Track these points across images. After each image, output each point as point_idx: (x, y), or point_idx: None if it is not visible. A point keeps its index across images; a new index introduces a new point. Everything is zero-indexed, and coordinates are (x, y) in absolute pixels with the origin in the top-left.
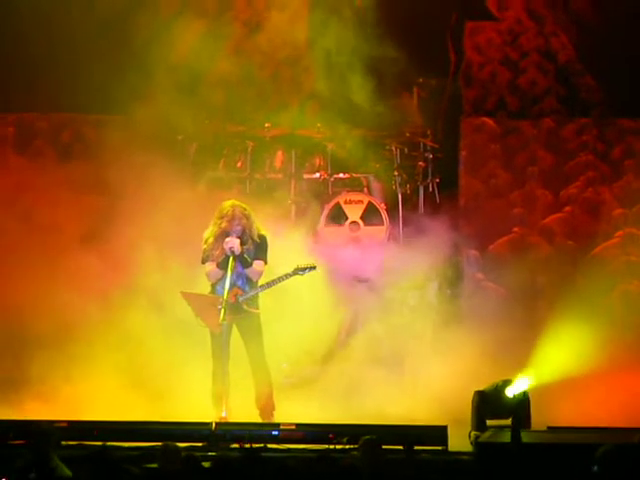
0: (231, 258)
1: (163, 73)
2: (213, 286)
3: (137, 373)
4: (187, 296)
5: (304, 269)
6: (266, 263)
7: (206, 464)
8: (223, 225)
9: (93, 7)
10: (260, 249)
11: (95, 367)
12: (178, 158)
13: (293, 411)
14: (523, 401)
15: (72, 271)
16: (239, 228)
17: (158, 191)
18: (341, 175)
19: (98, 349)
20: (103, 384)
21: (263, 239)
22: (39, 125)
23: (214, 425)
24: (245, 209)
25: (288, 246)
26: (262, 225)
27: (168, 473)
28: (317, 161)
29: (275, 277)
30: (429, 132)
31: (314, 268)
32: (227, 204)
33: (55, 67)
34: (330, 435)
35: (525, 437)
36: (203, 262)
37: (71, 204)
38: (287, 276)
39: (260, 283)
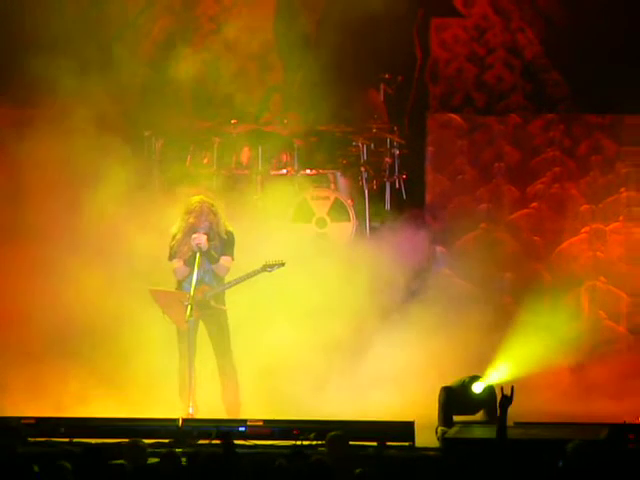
0: (198, 254)
1: (130, 69)
2: (180, 283)
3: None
4: (154, 293)
5: (272, 266)
6: (233, 259)
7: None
8: (191, 220)
9: (60, 3)
10: (227, 245)
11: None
12: (145, 154)
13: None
14: (490, 397)
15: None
16: (207, 224)
17: (125, 188)
18: (308, 171)
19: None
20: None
21: (230, 235)
22: None
23: (181, 421)
24: (213, 205)
25: (255, 242)
26: (229, 221)
27: (142, 469)
28: (284, 157)
29: (243, 274)
30: (396, 128)
31: (282, 265)
32: (195, 199)
33: (20, 61)
34: (294, 431)
35: (491, 432)
36: (170, 259)
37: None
38: (255, 272)
39: (227, 279)
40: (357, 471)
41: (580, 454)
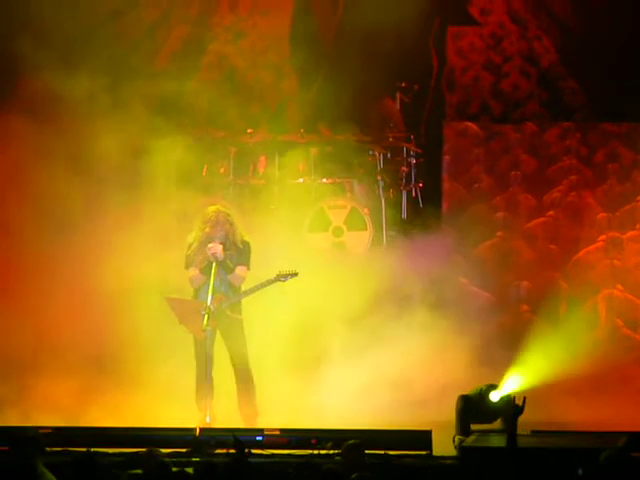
0: (214, 264)
1: (146, 79)
2: (196, 291)
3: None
4: (171, 301)
5: (286, 276)
6: (249, 269)
7: (189, 470)
8: (207, 230)
9: (77, 14)
10: (243, 255)
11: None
12: (161, 164)
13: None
14: (508, 405)
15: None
16: (222, 233)
17: (143, 198)
18: (324, 180)
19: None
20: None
21: (246, 245)
22: None
23: (198, 431)
24: (229, 215)
25: (271, 252)
26: (245, 231)
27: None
28: (300, 166)
29: (257, 283)
30: (412, 137)
31: (296, 275)
32: (211, 209)
33: (38, 70)
34: (312, 440)
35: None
36: (186, 267)
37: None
38: (269, 282)
39: (243, 289)
40: (353, 476)
41: (617, 463)
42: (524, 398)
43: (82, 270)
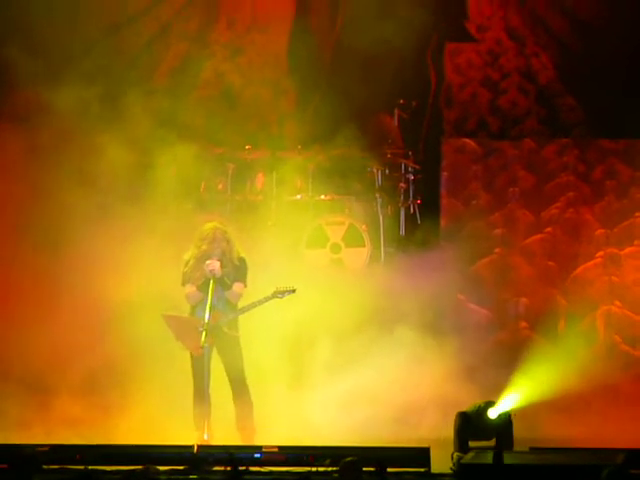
0: (212, 281)
1: (144, 95)
2: (193, 308)
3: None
4: (168, 318)
5: (283, 292)
6: (245, 285)
7: None
8: (204, 247)
9: (75, 29)
10: (240, 271)
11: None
12: (159, 180)
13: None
14: (505, 422)
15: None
16: (219, 251)
17: (140, 213)
18: (322, 197)
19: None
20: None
21: (242, 261)
22: None
23: (196, 448)
24: (226, 232)
25: (269, 268)
26: (243, 247)
27: None
28: (298, 183)
29: (255, 300)
30: (410, 153)
31: (293, 291)
32: (208, 226)
33: (33, 82)
34: (310, 457)
35: (508, 458)
36: (183, 284)
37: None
38: (266, 299)
39: (240, 305)
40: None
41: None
42: (509, 415)
43: (81, 286)
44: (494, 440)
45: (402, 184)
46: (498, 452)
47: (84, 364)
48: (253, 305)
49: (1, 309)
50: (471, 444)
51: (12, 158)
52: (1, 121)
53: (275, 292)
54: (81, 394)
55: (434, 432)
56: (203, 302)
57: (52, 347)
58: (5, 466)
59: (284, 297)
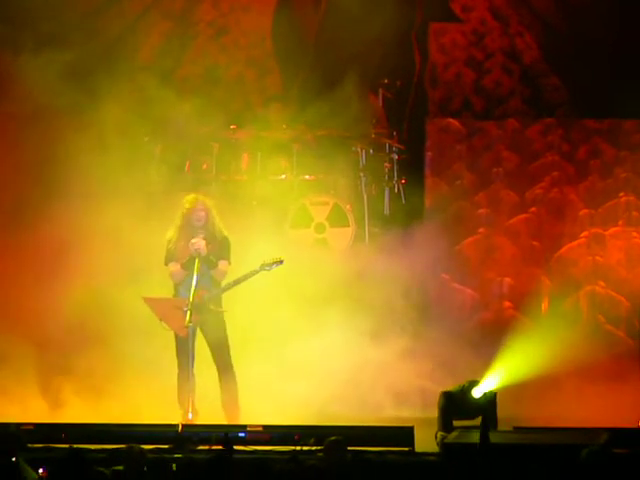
0: (197, 259)
1: (128, 74)
2: (176, 287)
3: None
4: (150, 301)
5: (271, 264)
6: (230, 263)
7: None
8: (185, 212)
9: (60, 7)
10: (223, 249)
11: None
12: (144, 159)
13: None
14: (490, 402)
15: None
16: (202, 221)
17: (124, 193)
18: (307, 177)
19: None
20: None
21: (225, 239)
22: None
23: (181, 427)
24: (205, 202)
25: (253, 248)
26: (227, 227)
27: (135, 475)
28: (282, 163)
29: (242, 274)
30: (395, 133)
31: (281, 263)
32: (188, 198)
33: (14, 60)
34: (295, 436)
35: (492, 437)
36: (166, 262)
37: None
38: (253, 272)
39: (226, 281)
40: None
41: (595, 459)
42: (494, 394)
43: (64, 261)
44: (478, 419)
45: (386, 164)
46: (485, 432)
47: (67, 340)
48: (240, 280)
49: None
50: (455, 423)
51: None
52: None
53: (263, 265)
54: (65, 372)
55: (418, 412)
56: (187, 280)
57: (37, 321)
58: None
59: (272, 269)
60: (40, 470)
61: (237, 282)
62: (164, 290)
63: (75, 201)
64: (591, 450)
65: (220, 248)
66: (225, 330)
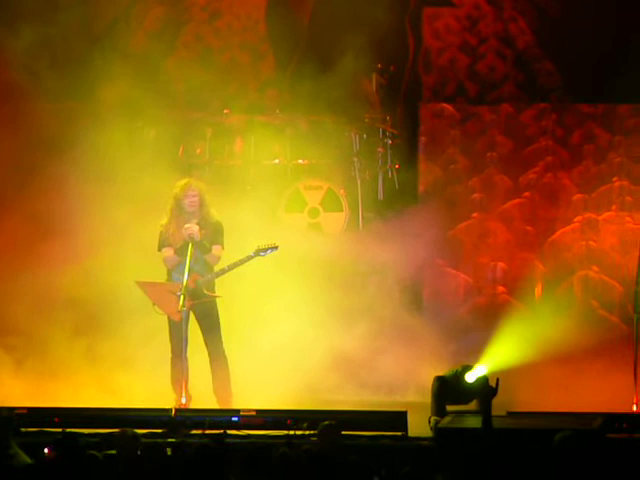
0: (190, 245)
1: (122, 59)
2: (169, 272)
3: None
4: (143, 285)
5: (265, 250)
6: (223, 248)
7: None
8: (178, 198)
9: None
10: (217, 234)
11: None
12: (138, 144)
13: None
14: (484, 386)
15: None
16: (195, 206)
17: (118, 177)
18: (300, 161)
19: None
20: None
21: (218, 224)
22: None
23: (174, 411)
24: (199, 187)
25: (247, 232)
26: (221, 212)
27: (128, 459)
28: (276, 147)
29: (237, 260)
30: (388, 118)
31: (276, 248)
32: (181, 183)
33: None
34: (287, 421)
35: None
36: (160, 248)
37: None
38: (248, 258)
39: (220, 266)
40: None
41: (571, 445)
42: (497, 379)
43: (61, 248)
44: (472, 404)
45: (380, 149)
46: (487, 417)
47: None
48: (235, 265)
49: None
50: (448, 408)
51: None
52: None
53: (257, 250)
54: (62, 356)
55: (411, 397)
56: (180, 265)
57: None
58: None
59: (267, 254)
60: (45, 450)
61: (231, 267)
62: (157, 275)
63: (69, 185)
64: (564, 435)
65: (213, 233)
66: (217, 315)
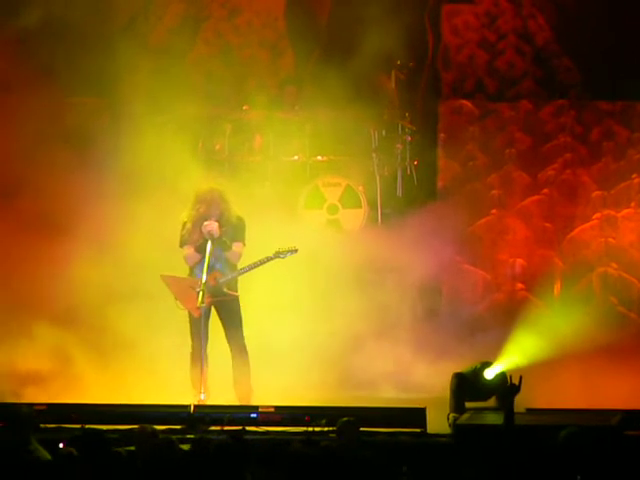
0: (210, 242)
1: (142, 55)
2: (191, 269)
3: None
4: (166, 279)
5: (285, 252)
6: (244, 245)
7: (185, 447)
8: (201, 210)
9: None
10: (238, 230)
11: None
12: (156, 140)
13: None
14: (503, 383)
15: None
16: (217, 212)
17: (138, 173)
18: (319, 158)
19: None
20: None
21: (240, 220)
22: None
23: (192, 408)
24: (223, 192)
25: (266, 229)
26: (240, 208)
27: (147, 456)
28: (295, 143)
29: (256, 260)
30: (407, 114)
31: (295, 251)
32: (205, 188)
33: (31, 50)
34: (306, 417)
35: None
36: (181, 246)
37: (58, 189)
38: (268, 259)
39: (240, 266)
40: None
41: (577, 441)
42: (520, 377)
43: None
44: (491, 400)
45: (399, 145)
46: (509, 413)
47: (77, 324)
48: (254, 265)
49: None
50: (467, 405)
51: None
52: None
53: (277, 252)
54: (80, 353)
55: (431, 392)
56: (201, 263)
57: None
58: (1, 424)
59: (286, 257)
60: (60, 445)
61: (251, 267)
62: (181, 270)
63: (82, 181)
64: (570, 432)
65: (234, 230)
66: (239, 311)
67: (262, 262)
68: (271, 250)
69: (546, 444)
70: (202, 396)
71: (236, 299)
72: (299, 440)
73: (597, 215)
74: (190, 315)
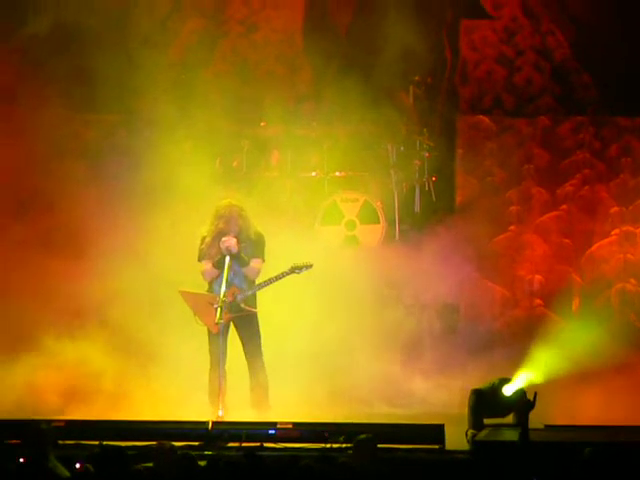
0: (228, 257)
1: (159, 72)
2: (210, 285)
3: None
4: (185, 295)
5: (301, 268)
6: (264, 261)
7: (202, 463)
8: (220, 226)
9: (91, 5)
10: (257, 246)
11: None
12: (174, 156)
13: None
14: (521, 399)
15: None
16: (236, 228)
17: (156, 189)
18: (337, 173)
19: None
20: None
21: (260, 236)
22: None
23: (211, 424)
24: (242, 209)
25: (284, 245)
26: (257, 224)
27: (165, 472)
28: (313, 159)
29: (272, 276)
30: (425, 130)
31: (310, 267)
32: (224, 204)
33: (47, 64)
34: (325, 434)
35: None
36: (199, 259)
37: (72, 202)
38: (284, 274)
39: (259, 280)
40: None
41: (601, 458)
42: (535, 393)
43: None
44: (510, 417)
45: (417, 161)
46: (524, 430)
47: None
48: (270, 281)
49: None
50: (485, 421)
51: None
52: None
53: (293, 267)
54: (97, 369)
55: (449, 409)
56: (219, 278)
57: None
58: (20, 441)
59: (302, 272)
60: (77, 465)
61: (267, 283)
62: (198, 285)
63: (101, 196)
64: (595, 449)
65: (253, 246)
66: (258, 327)
67: (278, 278)
68: (288, 266)
69: (565, 461)
70: (220, 412)
71: (255, 315)
72: (315, 457)
73: (615, 231)
74: (208, 331)
